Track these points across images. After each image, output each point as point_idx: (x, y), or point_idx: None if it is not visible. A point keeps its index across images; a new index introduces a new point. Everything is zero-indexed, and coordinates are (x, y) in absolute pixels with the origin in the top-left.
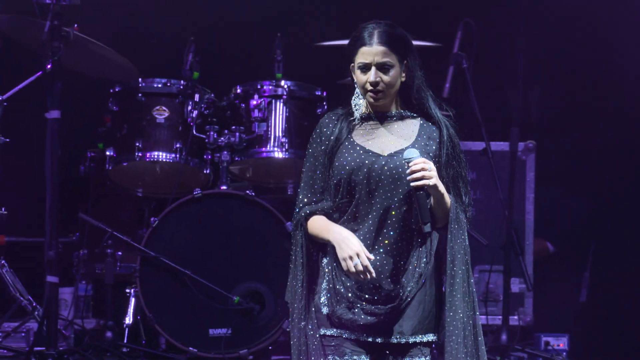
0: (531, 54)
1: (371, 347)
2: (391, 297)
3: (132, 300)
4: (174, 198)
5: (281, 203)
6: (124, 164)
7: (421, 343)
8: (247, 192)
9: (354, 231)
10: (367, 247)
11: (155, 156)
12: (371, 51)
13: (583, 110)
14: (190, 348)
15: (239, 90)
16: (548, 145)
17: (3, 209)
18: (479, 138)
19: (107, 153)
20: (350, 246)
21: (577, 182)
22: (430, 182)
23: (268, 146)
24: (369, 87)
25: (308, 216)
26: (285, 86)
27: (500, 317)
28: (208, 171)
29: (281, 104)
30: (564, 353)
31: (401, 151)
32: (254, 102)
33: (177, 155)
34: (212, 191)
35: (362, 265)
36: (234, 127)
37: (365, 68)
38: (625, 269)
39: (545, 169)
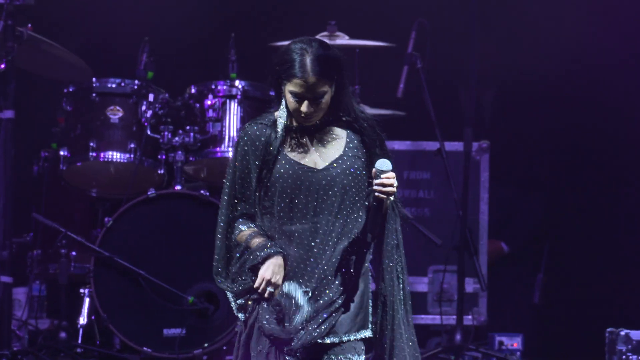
0: (485, 54)
1: (305, 351)
2: (324, 302)
3: (86, 300)
4: (128, 198)
5: None
6: (78, 164)
7: (355, 340)
8: (202, 192)
9: (288, 233)
10: (304, 251)
11: (110, 156)
12: (305, 84)
13: (536, 111)
14: (145, 348)
15: (193, 90)
16: (502, 146)
17: None
18: (433, 138)
19: (61, 153)
20: (276, 271)
21: (531, 183)
22: (392, 198)
23: (222, 146)
24: (302, 115)
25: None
26: (240, 86)
27: (455, 317)
28: (162, 171)
29: (236, 104)
30: (518, 353)
31: (333, 163)
32: (209, 102)
33: (131, 156)
34: (167, 191)
35: (268, 295)
36: (188, 127)
37: (297, 97)
38: (578, 270)
39: (499, 170)
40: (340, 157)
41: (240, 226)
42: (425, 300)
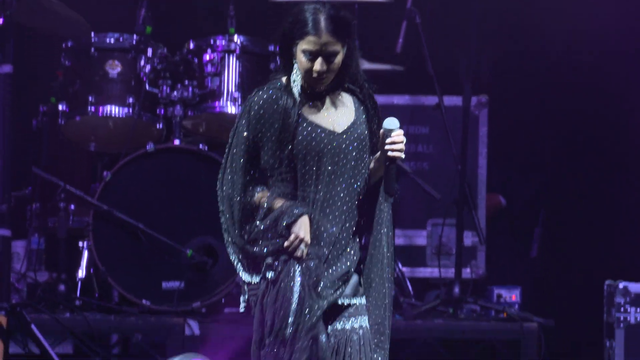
0: (486, 9)
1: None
2: (339, 270)
3: (85, 253)
4: (126, 152)
5: None
6: (77, 118)
7: (360, 304)
8: (200, 146)
9: (304, 198)
10: (320, 217)
11: (108, 111)
12: (319, 41)
13: (536, 66)
14: (144, 301)
15: (192, 45)
16: (501, 100)
17: None
18: (432, 92)
19: (60, 108)
20: (307, 230)
21: (530, 138)
22: (403, 155)
23: (221, 101)
24: (314, 75)
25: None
26: (238, 41)
27: (453, 270)
28: (161, 126)
29: (234, 59)
30: (516, 305)
31: (352, 128)
32: (207, 57)
33: (130, 110)
34: (165, 146)
35: (300, 254)
36: (187, 81)
37: (311, 55)
38: (576, 223)
39: (498, 124)
40: (353, 122)
41: (256, 188)
42: (424, 253)
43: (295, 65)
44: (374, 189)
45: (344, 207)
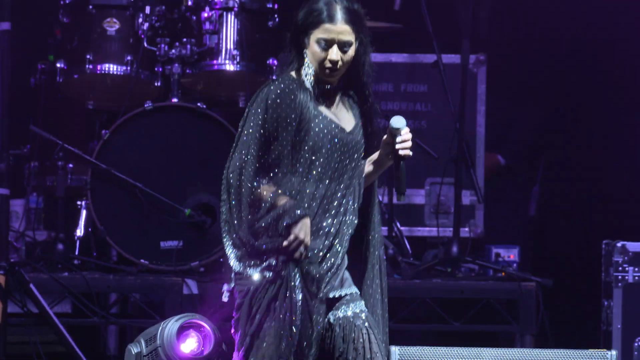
0: None
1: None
2: (328, 266)
3: (83, 212)
4: (124, 111)
5: (232, 116)
6: (75, 76)
7: (353, 293)
8: (199, 104)
9: (309, 194)
10: (321, 211)
11: (106, 68)
12: (335, 29)
13: (534, 24)
14: (142, 260)
15: (190, 3)
16: (499, 59)
17: None
18: (430, 50)
19: (58, 65)
20: (307, 232)
21: (528, 96)
22: (411, 153)
23: (219, 59)
24: (328, 65)
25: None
26: None
27: (451, 229)
28: (159, 84)
29: (232, 17)
30: (515, 264)
31: (355, 130)
32: (205, 15)
33: (128, 68)
34: (163, 104)
35: (299, 255)
36: (185, 39)
37: (325, 44)
38: (574, 182)
39: (497, 83)
40: (356, 125)
41: (263, 179)
42: (422, 212)
43: (307, 60)
44: (368, 191)
45: (341, 204)
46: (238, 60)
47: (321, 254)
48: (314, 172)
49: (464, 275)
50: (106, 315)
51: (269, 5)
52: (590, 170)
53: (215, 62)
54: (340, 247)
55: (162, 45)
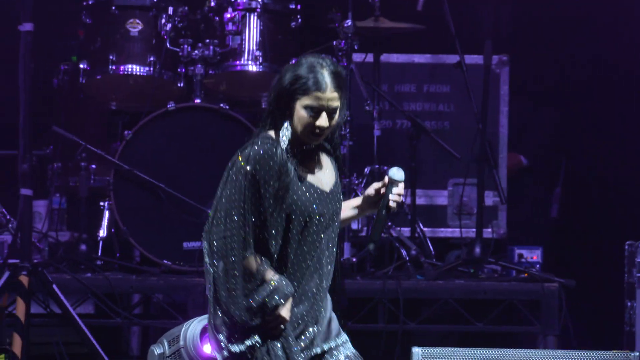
0: None
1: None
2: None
3: (106, 213)
4: (147, 111)
5: (255, 116)
6: (98, 77)
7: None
8: (221, 105)
9: (296, 262)
10: (310, 277)
11: (129, 69)
12: (325, 97)
13: (556, 24)
14: (165, 261)
15: (212, 3)
16: (522, 60)
17: None
18: (453, 51)
19: (81, 66)
20: (289, 311)
21: (551, 97)
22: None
23: (242, 59)
24: (317, 131)
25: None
26: None
27: (474, 230)
28: (182, 84)
29: (255, 17)
30: (537, 265)
31: (335, 187)
32: (228, 15)
33: (151, 69)
34: (186, 104)
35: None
36: (207, 40)
37: (314, 112)
38: (597, 183)
39: (519, 84)
40: (336, 181)
41: (247, 251)
42: (445, 213)
43: (286, 122)
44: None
45: (328, 264)
46: (261, 61)
47: (303, 320)
48: (298, 238)
49: (487, 276)
50: (129, 316)
51: (292, 6)
52: (613, 172)
53: (237, 62)
54: (325, 309)
55: (185, 46)
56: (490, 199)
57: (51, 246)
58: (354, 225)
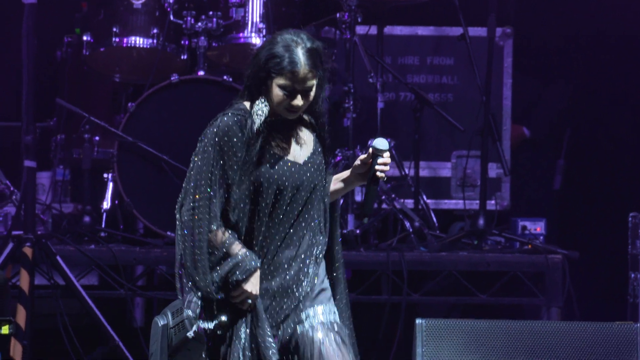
0: None
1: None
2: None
3: (110, 185)
4: (151, 84)
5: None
6: (101, 49)
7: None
8: (224, 77)
9: (267, 234)
10: (281, 248)
11: (133, 42)
12: (298, 77)
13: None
14: (168, 233)
15: None
16: (526, 33)
17: None
18: (457, 23)
19: (84, 38)
20: (255, 285)
21: (555, 70)
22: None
23: (245, 32)
24: (292, 109)
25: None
26: None
27: (478, 201)
28: (185, 57)
29: None
30: (541, 237)
31: (312, 158)
32: None
33: (154, 41)
34: (189, 77)
35: (247, 307)
36: (211, 12)
37: (288, 90)
38: (600, 155)
39: (523, 57)
40: (313, 152)
41: (214, 223)
42: (449, 185)
43: (262, 97)
44: (331, 206)
45: (305, 236)
46: (264, 33)
47: (277, 293)
48: (267, 211)
49: (490, 248)
50: (133, 288)
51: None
52: (616, 143)
53: (241, 35)
54: (301, 282)
55: (189, 18)
56: (493, 170)
57: (55, 218)
58: (357, 197)
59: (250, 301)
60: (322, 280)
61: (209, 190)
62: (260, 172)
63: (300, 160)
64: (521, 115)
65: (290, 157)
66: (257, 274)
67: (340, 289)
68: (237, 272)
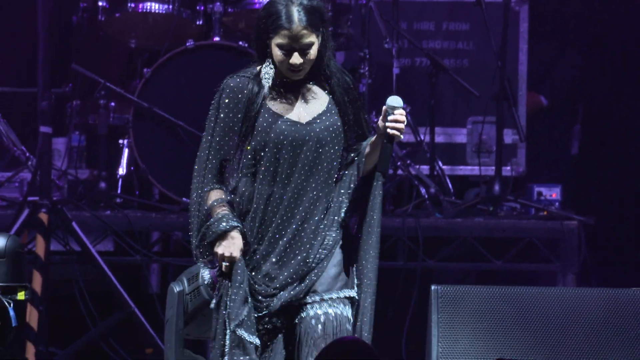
0: None
1: (284, 313)
2: (295, 262)
3: (126, 151)
4: (166, 49)
5: None
6: (117, 14)
7: (338, 298)
8: (240, 43)
9: (269, 193)
10: (284, 212)
11: (148, 7)
12: (294, 34)
13: None
14: (184, 199)
15: None
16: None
17: None
18: None
19: (100, 4)
20: (227, 246)
21: (571, 36)
22: (402, 136)
23: None
24: (292, 68)
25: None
26: None
27: (493, 167)
28: (201, 22)
29: None
30: (557, 203)
31: (320, 118)
32: None
33: (170, 6)
34: (205, 42)
35: (226, 269)
36: None
37: (285, 49)
38: (617, 121)
39: (539, 23)
40: (322, 113)
41: (207, 187)
42: (464, 151)
43: (268, 59)
44: (368, 173)
45: (312, 199)
46: None
47: (277, 258)
48: (266, 173)
49: (506, 214)
50: (148, 254)
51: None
52: (632, 109)
53: (256, 0)
54: (307, 252)
55: None
56: (509, 137)
57: (70, 184)
58: None
59: (226, 264)
60: (338, 261)
61: (206, 152)
62: (258, 131)
63: (303, 120)
64: (537, 81)
65: (291, 116)
66: (233, 236)
67: (365, 286)
68: (209, 234)
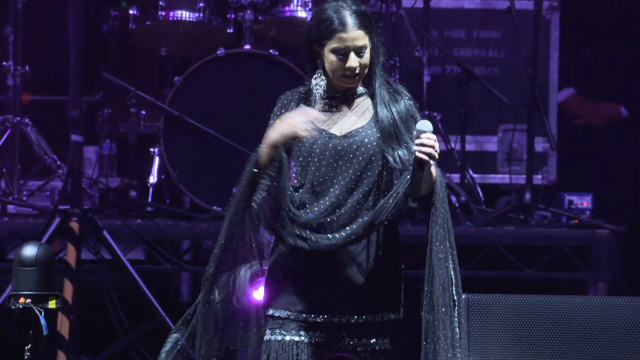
0: None
1: (322, 326)
2: (345, 279)
3: (156, 159)
4: (197, 57)
5: (304, 62)
6: (147, 23)
7: (381, 322)
8: (270, 51)
9: (312, 204)
10: (324, 220)
11: (179, 15)
12: (349, 37)
13: None
14: (214, 207)
15: None
16: (574, 6)
17: (27, 67)
18: None
19: (131, 12)
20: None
21: (603, 43)
22: (433, 162)
23: (292, 5)
24: (348, 73)
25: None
26: None
27: (524, 176)
28: (231, 30)
29: None
30: (588, 212)
31: (357, 131)
32: None
33: (201, 15)
34: (236, 50)
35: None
36: None
37: (342, 53)
38: None
39: (572, 31)
40: (363, 126)
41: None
42: (495, 159)
43: (319, 70)
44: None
45: (346, 217)
46: (310, 6)
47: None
48: (310, 185)
49: (537, 223)
50: (179, 262)
51: None
52: None
53: (287, 8)
54: (351, 268)
55: None
56: (540, 145)
57: (101, 192)
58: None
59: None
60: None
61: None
62: (295, 144)
63: (341, 132)
64: (568, 86)
65: (330, 129)
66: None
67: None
68: (248, 168)
